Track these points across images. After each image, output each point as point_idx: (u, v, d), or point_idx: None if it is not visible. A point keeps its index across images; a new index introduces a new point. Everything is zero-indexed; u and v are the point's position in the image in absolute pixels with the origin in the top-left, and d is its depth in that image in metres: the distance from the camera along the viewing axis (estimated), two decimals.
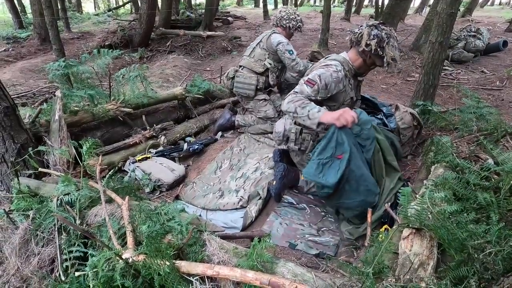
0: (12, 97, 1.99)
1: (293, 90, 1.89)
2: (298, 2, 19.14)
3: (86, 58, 2.93)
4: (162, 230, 1.29)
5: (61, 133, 2.18)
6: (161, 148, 2.82)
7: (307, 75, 1.97)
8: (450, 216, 1.22)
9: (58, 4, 8.36)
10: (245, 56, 3.07)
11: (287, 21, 2.91)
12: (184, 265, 1.16)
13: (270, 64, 2.95)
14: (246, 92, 3.02)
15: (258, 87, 3.00)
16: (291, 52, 2.86)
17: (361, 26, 1.90)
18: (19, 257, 1.55)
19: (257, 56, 2.96)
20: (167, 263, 1.11)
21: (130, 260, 1.17)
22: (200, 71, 5.64)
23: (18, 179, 1.97)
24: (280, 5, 16.67)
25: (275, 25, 3.00)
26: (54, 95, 2.43)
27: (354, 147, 1.78)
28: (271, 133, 3.06)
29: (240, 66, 3.10)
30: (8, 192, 2.04)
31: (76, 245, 1.53)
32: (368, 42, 1.81)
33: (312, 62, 2.80)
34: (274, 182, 2.18)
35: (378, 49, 1.81)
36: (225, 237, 1.93)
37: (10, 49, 7.10)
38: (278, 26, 2.97)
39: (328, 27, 5.47)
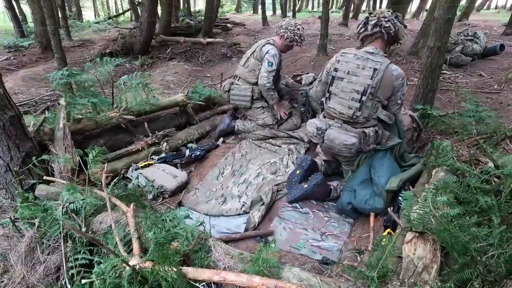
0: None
1: (400, 108, 2.16)
2: (297, 8, 19.32)
3: (88, 66, 2.96)
4: (169, 236, 1.30)
5: (66, 141, 2.20)
6: (163, 155, 2.84)
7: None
8: (453, 220, 1.24)
9: (59, 13, 8.45)
10: (240, 65, 3.10)
11: (284, 31, 2.92)
12: (191, 271, 1.17)
13: None
14: (243, 104, 3.06)
15: (254, 98, 3.02)
16: (270, 64, 2.82)
17: (384, 18, 2.02)
18: (25, 265, 1.56)
19: (251, 66, 2.98)
20: (174, 269, 1.12)
21: (137, 267, 1.18)
22: (200, 77, 5.68)
23: (22, 187, 1.99)
24: (278, 12, 16.85)
25: (275, 33, 3.03)
26: (58, 104, 2.46)
27: None
28: (272, 138, 3.10)
29: (236, 76, 3.14)
30: (13, 201, 2.05)
31: (81, 252, 1.55)
32: (404, 32, 2.09)
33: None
34: (306, 185, 2.20)
35: (404, 35, 2.12)
36: (231, 239, 1.95)
37: (11, 58, 7.15)
38: (277, 34, 3.01)
39: (327, 33, 5.52)
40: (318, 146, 2.50)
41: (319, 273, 1.66)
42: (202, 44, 7.29)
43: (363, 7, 15.70)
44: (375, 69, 1.97)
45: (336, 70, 2.13)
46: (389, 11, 2.08)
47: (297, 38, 2.95)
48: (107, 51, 6.87)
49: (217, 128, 3.29)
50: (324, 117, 2.29)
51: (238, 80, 3.10)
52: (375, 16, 2.06)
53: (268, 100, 3.00)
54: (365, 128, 2.09)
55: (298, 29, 2.93)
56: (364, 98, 2.01)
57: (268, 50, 2.85)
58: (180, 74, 5.77)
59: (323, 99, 2.27)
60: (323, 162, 2.46)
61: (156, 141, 2.89)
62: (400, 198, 1.95)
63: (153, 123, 3.11)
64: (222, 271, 1.17)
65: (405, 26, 2.10)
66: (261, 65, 2.91)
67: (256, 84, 2.99)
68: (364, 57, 2.02)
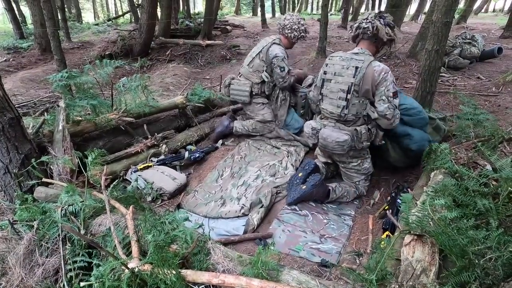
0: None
1: (390, 109, 2.02)
2: (296, 11, 19.40)
3: (88, 68, 2.96)
4: (168, 239, 1.30)
5: (65, 143, 2.20)
6: (162, 157, 2.84)
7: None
8: (451, 223, 1.25)
9: (59, 15, 8.46)
10: (245, 64, 3.12)
11: (289, 31, 2.94)
12: (190, 274, 1.17)
13: (266, 77, 3.00)
14: (241, 99, 3.09)
15: (254, 93, 3.06)
16: (282, 69, 2.89)
17: (365, 20, 2.08)
18: (23, 268, 1.56)
19: (256, 67, 3.01)
20: (173, 272, 1.12)
21: (136, 269, 1.18)
22: (199, 79, 5.69)
23: (21, 190, 1.98)
24: (278, 14, 16.90)
25: (279, 32, 3.04)
26: (57, 105, 2.46)
27: None
28: (274, 138, 3.12)
29: (239, 73, 3.17)
30: (12, 203, 2.05)
31: (80, 255, 1.55)
32: (387, 31, 2.06)
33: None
34: (304, 186, 2.21)
35: (392, 34, 2.09)
36: (230, 242, 1.95)
37: (11, 59, 7.15)
38: (281, 34, 3.02)
39: (326, 35, 5.55)
40: (317, 148, 2.52)
41: (318, 275, 1.66)
42: (201, 46, 7.30)
43: (362, 10, 15.76)
44: (357, 67, 2.04)
45: (325, 73, 2.24)
46: (377, 12, 2.12)
47: (303, 34, 3.00)
48: (107, 53, 6.88)
49: (215, 130, 3.30)
50: (321, 118, 2.36)
51: (240, 77, 3.14)
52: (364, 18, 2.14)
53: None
54: (357, 126, 2.16)
55: (302, 24, 2.96)
56: (349, 96, 2.09)
57: (276, 54, 2.87)
58: (179, 76, 5.77)
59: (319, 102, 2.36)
60: (323, 165, 2.47)
61: (155, 143, 2.90)
62: (398, 201, 1.96)
63: (152, 125, 3.11)
64: (221, 274, 1.17)
65: (392, 27, 2.10)
66: (266, 67, 2.95)
67: (257, 84, 3.03)
68: (349, 58, 2.11)
